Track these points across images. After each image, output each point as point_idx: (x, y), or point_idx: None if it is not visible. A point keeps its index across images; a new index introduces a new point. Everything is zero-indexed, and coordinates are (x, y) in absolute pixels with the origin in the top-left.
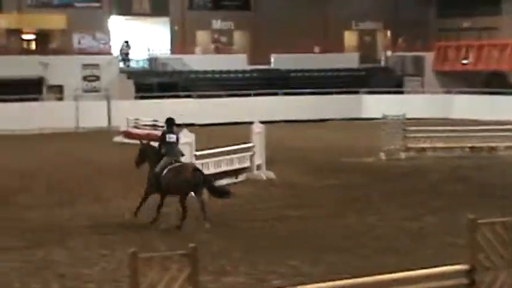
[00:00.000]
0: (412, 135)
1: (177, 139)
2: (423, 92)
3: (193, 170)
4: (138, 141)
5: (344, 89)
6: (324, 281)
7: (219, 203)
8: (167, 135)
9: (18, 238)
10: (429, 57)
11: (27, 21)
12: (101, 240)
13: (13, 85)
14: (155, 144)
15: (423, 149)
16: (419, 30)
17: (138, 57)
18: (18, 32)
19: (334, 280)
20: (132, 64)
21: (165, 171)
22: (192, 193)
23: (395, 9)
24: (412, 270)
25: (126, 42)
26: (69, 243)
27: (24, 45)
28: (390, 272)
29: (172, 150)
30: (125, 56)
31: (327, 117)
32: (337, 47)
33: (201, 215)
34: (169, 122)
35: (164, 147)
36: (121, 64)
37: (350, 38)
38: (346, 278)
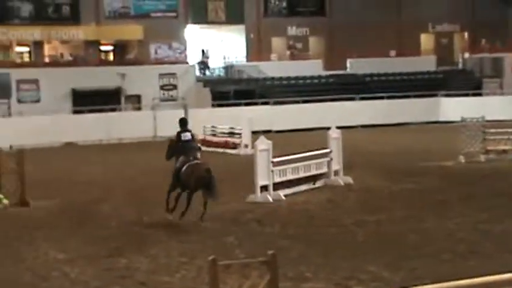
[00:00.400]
0: (492, 137)
1: (192, 136)
2: (502, 94)
3: (205, 170)
4: (215, 150)
5: (421, 93)
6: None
7: (296, 208)
8: (182, 134)
9: (99, 246)
10: (508, 58)
11: (105, 33)
12: (181, 247)
13: (92, 96)
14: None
15: (503, 151)
16: (498, 31)
17: (214, 65)
18: (96, 43)
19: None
20: (208, 72)
21: (184, 168)
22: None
23: (472, 11)
24: (496, 274)
25: (203, 51)
26: (149, 251)
27: (102, 56)
28: (473, 277)
29: (189, 147)
30: (203, 65)
31: (404, 121)
32: (414, 50)
33: (199, 213)
34: (182, 121)
35: (181, 144)
36: (197, 72)
37: (427, 40)
38: (427, 284)
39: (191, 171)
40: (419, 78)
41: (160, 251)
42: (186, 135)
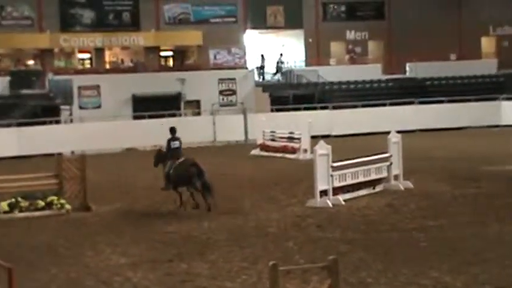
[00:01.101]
0: None
1: (180, 144)
2: None
3: (190, 165)
4: (274, 155)
5: (482, 96)
6: None
7: (356, 213)
8: (171, 142)
9: (160, 251)
10: None
11: (165, 39)
12: (241, 252)
13: (152, 101)
14: None
15: None
16: None
17: (273, 70)
18: (156, 49)
19: None
20: (267, 77)
21: (171, 170)
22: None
23: None
24: None
25: (263, 56)
26: (209, 256)
27: (162, 62)
28: None
29: (176, 153)
30: (260, 70)
31: (465, 125)
32: (474, 53)
33: (187, 203)
34: (172, 130)
35: (169, 152)
36: (256, 77)
37: (487, 43)
38: None
39: (176, 169)
40: (479, 82)
41: (221, 256)
42: (175, 144)
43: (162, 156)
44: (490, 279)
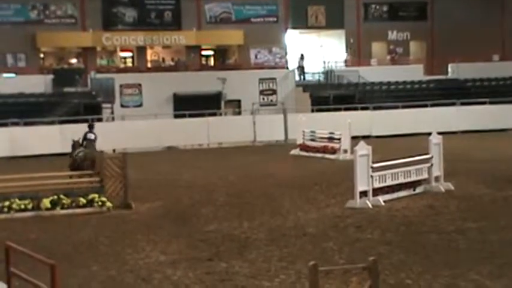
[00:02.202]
0: None
1: (95, 137)
2: None
3: (81, 153)
4: (314, 155)
5: None
6: None
7: (396, 214)
8: (88, 134)
9: (200, 250)
10: None
11: (206, 38)
12: (280, 252)
13: (193, 100)
14: None
15: None
16: None
17: (314, 70)
18: (197, 48)
19: None
20: (308, 77)
21: (80, 153)
22: None
23: None
24: None
25: (302, 55)
26: (249, 256)
27: (203, 61)
28: None
29: (90, 144)
30: (300, 70)
31: (508, 127)
32: None
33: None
34: (90, 125)
35: (84, 142)
36: (297, 77)
37: None
38: None
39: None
40: None
41: (260, 256)
42: (91, 136)
43: (77, 145)
44: None
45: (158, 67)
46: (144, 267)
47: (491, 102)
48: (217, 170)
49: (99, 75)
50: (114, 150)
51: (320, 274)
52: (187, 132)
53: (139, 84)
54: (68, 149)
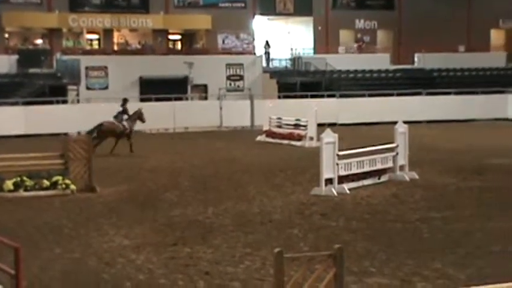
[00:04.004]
0: None
1: (123, 110)
2: None
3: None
4: (280, 141)
5: (490, 89)
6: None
7: (361, 202)
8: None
9: (164, 234)
10: None
11: (174, 22)
12: (245, 238)
13: (159, 84)
14: None
15: None
16: None
17: (281, 57)
18: (165, 32)
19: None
20: (275, 64)
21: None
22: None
23: None
24: None
25: (267, 41)
26: (213, 241)
27: (170, 45)
28: None
29: (118, 116)
30: (266, 56)
31: (472, 118)
32: (483, 45)
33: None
34: (124, 99)
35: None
36: (264, 63)
37: (497, 36)
38: (494, 283)
39: None
40: (488, 75)
41: (224, 241)
42: (119, 109)
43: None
44: (494, 273)
45: (125, 50)
46: (107, 251)
47: (456, 93)
48: (183, 154)
49: (64, 57)
50: (79, 133)
51: (285, 261)
52: (153, 116)
53: (106, 67)
54: (33, 130)
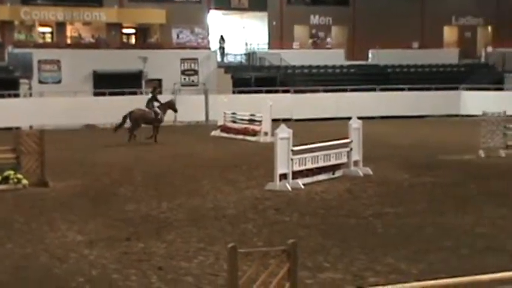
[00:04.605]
0: None
1: (152, 97)
2: None
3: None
4: (235, 136)
5: (443, 85)
6: (422, 280)
7: (315, 198)
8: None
9: (117, 229)
10: None
11: (128, 16)
12: (199, 233)
13: (113, 78)
14: None
15: None
16: None
17: (236, 52)
18: (119, 26)
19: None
20: (230, 58)
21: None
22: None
23: (497, 4)
24: None
25: (222, 36)
26: (167, 236)
27: (124, 39)
28: (490, 272)
29: (148, 104)
30: (221, 51)
31: (425, 114)
32: (436, 42)
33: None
34: (154, 86)
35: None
36: (219, 58)
37: (450, 33)
38: (445, 278)
39: None
40: (441, 71)
41: (178, 236)
42: (149, 96)
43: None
44: (446, 268)
45: (78, 44)
46: (60, 246)
47: (410, 89)
48: (137, 149)
49: (16, 50)
50: (31, 127)
51: (239, 256)
52: (107, 111)
53: (59, 61)
54: None
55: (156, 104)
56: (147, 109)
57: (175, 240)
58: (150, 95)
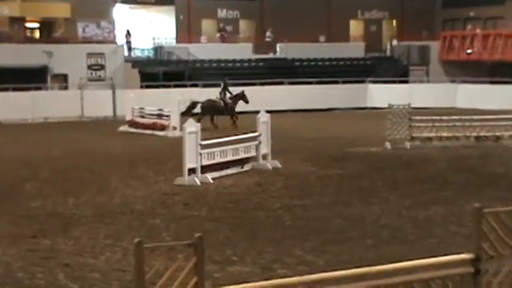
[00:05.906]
0: (417, 124)
1: (223, 86)
2: (428, 82)
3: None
4: (143, 131)
5: (349, 79)
6: (329, 271)
7: (224, 191)
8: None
9: (22, 227)
10: (435, 46)
11: (31, 9)
12: (106, 229)
13: (17, 74)
14: None
15: (428, 139)
16: (425, 20)
17: (143, 46)
18: (22, 20)
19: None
20: (138, 53)
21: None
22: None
23: None
24: (418, 259)
25: (128, 31)
26: (74, 233)
27: (28, 33)
28: (395, 262)
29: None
30: (128, 45)
31: (333, 107)
32: (343, 36)
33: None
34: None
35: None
36: (126, 53)
37: (356, 27)
38: (351, 268)
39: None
40: (347, 64)
41: (85, 233)
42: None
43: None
44: (352, 258)
45: None
46: None
47: (317, 82)
48: (43, 145)
49: None
50: None
51: (146, 251)
52: (11, 106)
53: None
54: None
55: (228, 95)
56: (217, 100)
57: (82, 236)
58: (222, 85)
